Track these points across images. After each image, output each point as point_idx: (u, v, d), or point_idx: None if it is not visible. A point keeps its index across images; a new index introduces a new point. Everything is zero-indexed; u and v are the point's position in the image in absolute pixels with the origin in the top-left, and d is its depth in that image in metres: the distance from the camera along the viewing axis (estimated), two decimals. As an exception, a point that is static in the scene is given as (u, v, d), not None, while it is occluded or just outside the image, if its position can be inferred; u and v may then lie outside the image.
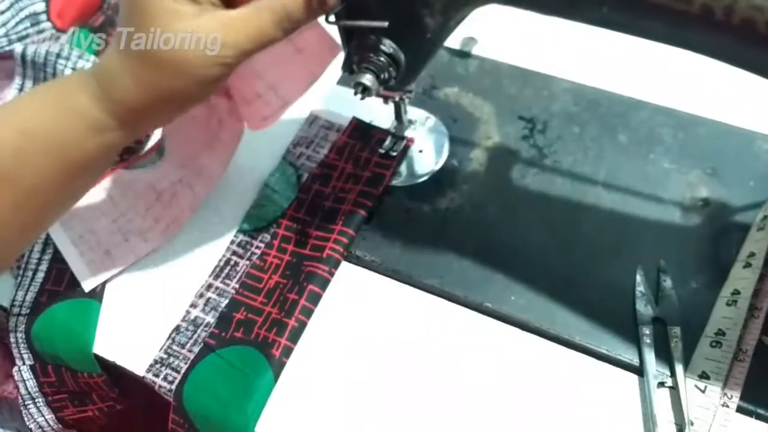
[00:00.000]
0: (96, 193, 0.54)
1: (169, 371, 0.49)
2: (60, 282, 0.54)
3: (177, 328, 0.51)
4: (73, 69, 0.57)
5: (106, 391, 0.54)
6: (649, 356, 0.45)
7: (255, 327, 0.50)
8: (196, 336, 0.50)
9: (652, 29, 0.37)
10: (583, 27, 0.38)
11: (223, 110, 0.53)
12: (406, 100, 0.55)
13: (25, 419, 0.55)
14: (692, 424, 0.42)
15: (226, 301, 0.52)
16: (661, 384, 0.45)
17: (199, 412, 0.47)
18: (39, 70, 0.57)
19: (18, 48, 0.57)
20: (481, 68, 0.63)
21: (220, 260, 0.54)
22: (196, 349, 0.50)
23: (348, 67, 0.46)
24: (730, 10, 0.33)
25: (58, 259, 0.55)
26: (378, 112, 0.59)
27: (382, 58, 0.43)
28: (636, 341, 0.46)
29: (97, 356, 0.51)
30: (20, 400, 0.54)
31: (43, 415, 0.55)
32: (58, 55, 0.57)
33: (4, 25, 0.62)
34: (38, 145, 0.38)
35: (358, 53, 0.44)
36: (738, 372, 0.44)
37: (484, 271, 0.51)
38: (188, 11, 0.36)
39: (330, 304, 0.51)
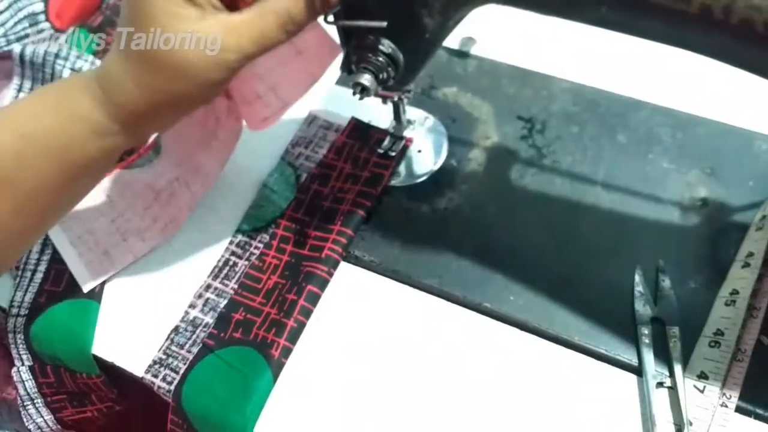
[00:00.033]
0: (94, 194, 0.54)
1: (167, 372, 0.49)
2: (59, 282, 0.54)
3: (176, 329, 0.51)
4: (72, 69, 0.57)
5: (104, 391, 0.54)
6: (648, 356, 0.45)
7: (254, 327, 0.50)
8: (194, 336, 0.50)
9: (651, 29, 0.37)
10: (582, 27, 0.38)
11: (222, 109, 0.53)
12: (405, 100, 0.55)
13: (24, 420, 0.55)
14: (691, 424, 0.43)
15: (225, 302, 0.52)
16: (660, 384, 0.45)
17: (198, 412, 0.47)
18: (37, 71, 0.57)
19: (16, 48, 0.57)
20: (480, 68, 0.63)
21: (219, 261, 0.54)
22: (194, 350, 0.50)
23: (346, 67, 0.46)
24: (729, 9, 0.33)
25: (56, 260, 0.55)
26: (377, 112, 0.59)
27: (380, 58, 0.43)
28: (635, 341, 0.46)
29: (95, 357, 0.51)
30: (19, 401, 0.54)
31: (42, 416, 0.55)
32: (57, 56, 0.57)
33: (2, 25, 0.62)
34: (39, 148, 0.38)
35: (357, 53, 0.44)
36: (737, 372, 0.44)
37: (482, 271, 0.51)
38: (190, 14, 0.36)
39: (329, 304, 0.51)
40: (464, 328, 0.49)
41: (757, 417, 0.43)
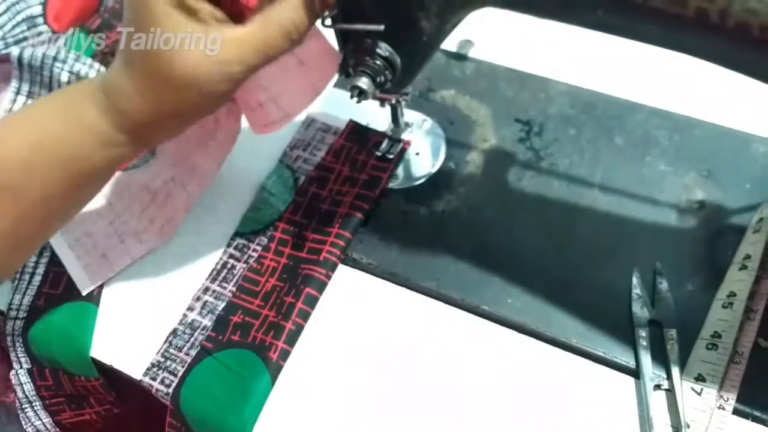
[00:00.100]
0: (93, 196, 0.54)
1: (166, 375, 0.49)
2: (57, 285, 0.54)
3: (174, 332, 0.51)
4: (70, 72, 0.57)
5: (103, 394, 0.54)
6: (646, 359, 0.45)
7: (252, 330, 0.50)
8: (193, 339, 0.50)
9: (648, 32, 0.37)
10: (580, 30, 0.39)
11: (222, 111, 0.53)
12: (403, 103, 0.55)
13: (23, 423, 0.55)
14: (688, 426, 0.43)
15: (223, 305, 0.52)
16: (658, 386, 0.45)
17: (196, 415, 0.47)
18: (36, 74, 0.57)
19: (15, 51, 0.57)
20: (478, 71, 0.63)
21: (217, 263, 0.54)
22: (193, 353, 0.50)
23: (344, 71, 0.46)
24: (725, 13, 0.33)
25: (55, 263, 0.55)
26: (375, 115, 0.59)
27: (378, 62, 0.43)
28: (632, 344, 0.46)
29: (94, 360, 0.51)
30: (18, 404, 0.54)
31: (40, 419, 0.55)
32: (55, 59, 0.57)
33: (0, 28, 0.62)
34: (46, 157, 0.38)
35: (354, 56, 0.44)
36: (734, 374, 0.44)
37: (480, 273, 0.51)
38: (195, 30, 0.36)
39: (327, 307, 0.51)
40: (462, 331, 0.49)
41: (755, 419, 0.43)
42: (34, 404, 0.54)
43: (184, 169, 0.56)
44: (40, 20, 0.64)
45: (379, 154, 0.57)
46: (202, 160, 0.56)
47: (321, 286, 0.51)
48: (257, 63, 0.38)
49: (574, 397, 0.46)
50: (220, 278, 0.53)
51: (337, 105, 0.61)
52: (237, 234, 0.55)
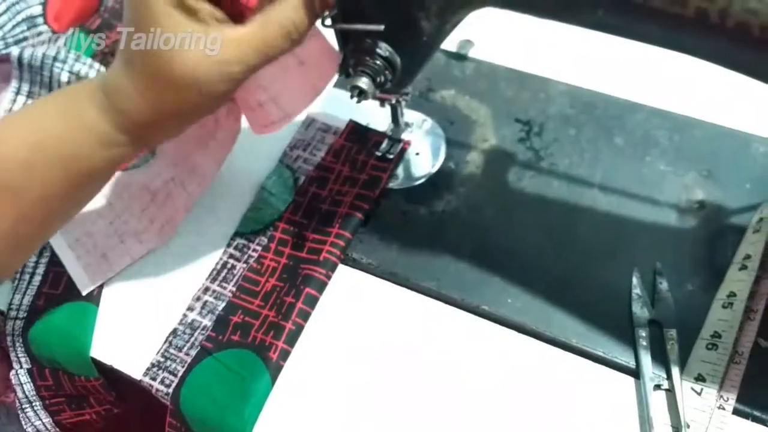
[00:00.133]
0: (93, 196, 0.54)
1: (166, 375, 0.49)
2: (57, 285, 0.54)
3: (174, 332, 0.51)
4: (70, 72, 0.57)
5: (103, 394, 0.54)
6: (646, 359, 0.45)
7: (252, 330, 0.50)
8: (193, 339, 0.50)
9: (648, 32, 0.37)
10: (580, 30, 0.39)
11: (222, 111, 0.53)
12: (403, 103, 0.55)
13: (23, 423, 0.55)
14: (688, 426, 0.43)
15: (223, 305, 0.52)
16: (658, 386, 0.45)
17: (196, 415, 0.47)
18: (35, 74, 0.57)
19: (15, 51, 0.57)
20: (478, 71, 0.63)
21: (217, 263, 0.54)
22: (193, 353, 0.50)
23: (344, 71, 0.46)
24: (725, 13, 0.33)
25: (55, 263, 0.55)
26: (375, 115, 0.59)
27: (378, 62, 0.43)
28: (632, 344, 0.46)
29: (94, 360, 0.51)
30: (18, 404, 0.54)
31: (40, 419, 0.55)
32: (55, 59, 0.57)
33: (0, 28, 0.62)
34: (46, 157, 0.38)
35: (354, 56, 0.44)
36: (734, 374, 0.44)
37: (480, 273, 0.51)
38: (195, 30, 0.36)
39: (327, 307, 0.51)
40: (462, 331, 0.49)
41: (755, 419, 0.43)
42: (34, 404, 0.54)
43: (184, 169, 0.56)
44: (40, 20, 0.64)
45: (379, 154, 0.57)
46: (202, 160, 0.56)
47: (321, 286, 0.51)
48: (257, 63, 0.38)
49: (574, 397, 0.46)
50: (220, 278, 0.53)
51: (337, 105, 0.61)
52: (237, 234, 0.55)
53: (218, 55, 0.37)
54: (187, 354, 0.50)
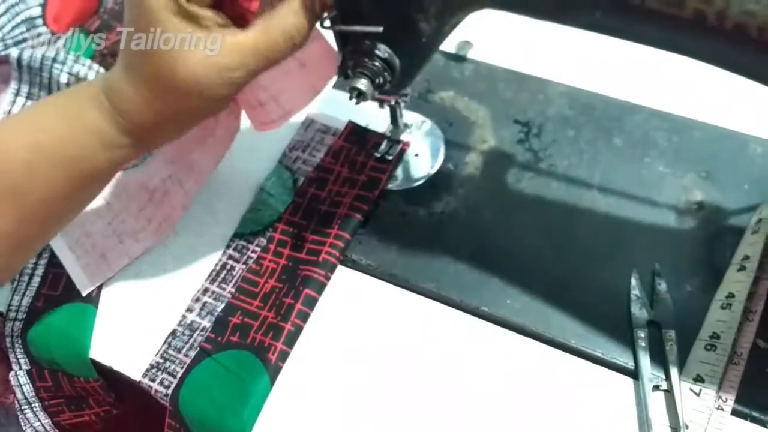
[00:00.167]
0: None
1: (165, 376, 0.49)
2: (56, 287, 0.54)
3: (173, 333, 0.51)
4: (69, 73, 0.57)
5: (102, 395, 0.54)
6: (644, 359, 0.45)
7: (251, 331, 0.50)
8: (192, 340, 0.50)
9: (646, 34, 0.37)
10: (578, 31, 0.39)
11: None
12: (402, 104, 0.55)
13: (22, 424, 0.55)
14: (687, 427, 0.43)
15: (222, 306, 0.52)
16: (656, 387, 0.45)
17: (195, 416, 0.47)
18: (35, 75, 0.57)
19: (14, 53, 0.57)
20: (477, 72, 0.63)
21: (216, 264, 0.54)
22: (192, 354, 0.50)
23: (343, 72, 0.46)
24: (723, 15, 0.33)
25: (54, 264, 0.55)
26: (374, 116, 0.59)
27: (377, 63, 0.43)
28: (631, 344, 0.47)
29: (93, 361, 0.51)
30: (17, 405, 0.54)
31: (39, 420, 0.55)
32: (54, 60, 0.57)
33: (0, 29, 0.62)
34: (49, 159, 0.38)
35: (353, 58, 0.44)
36: (733, 375, 0.44)
37: (479, 274, 0.51)
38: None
39: (326, 308, 0.51)
40: (461, 332, 0.49)
41: (753, 420, 0.43)
42: (33, 405, 0.54)
43: (181, 166, 0.56)
44: (40, 21, 0.64)
45: (378, 155, 0.57)
46: (199, 158, 0.55)
47: (320, 287, 0.51)
48: (259, 68, 0.39)
49: (573, 398, 0.46)
50: (219, 279, 0.53)
51: (336, 106, 0.61)
52: (236, 235, 0.55)
53: (220, 61, 0.37)
54: (186, 355, 0.50)
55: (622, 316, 0.48)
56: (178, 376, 0.49)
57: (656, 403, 0.44)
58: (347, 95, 0.45)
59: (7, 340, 0.54)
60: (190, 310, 0.52)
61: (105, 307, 0.53)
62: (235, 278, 0.53)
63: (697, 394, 0.44)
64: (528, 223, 0.53)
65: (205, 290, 0.53)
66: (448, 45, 0.64)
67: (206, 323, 0.51)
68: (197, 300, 0.52)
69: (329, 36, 0.46)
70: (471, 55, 0.64)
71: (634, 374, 0.46)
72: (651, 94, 0.59)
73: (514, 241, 0.52)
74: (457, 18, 0.42)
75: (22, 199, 0.38)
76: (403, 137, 0.58)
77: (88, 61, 0.59)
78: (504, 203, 0.54)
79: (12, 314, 0.54)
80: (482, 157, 0.57)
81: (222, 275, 0.53)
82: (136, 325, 0.52)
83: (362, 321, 0.51)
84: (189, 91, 0.37)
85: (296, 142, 0.60)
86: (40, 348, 0.53)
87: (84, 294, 0.53)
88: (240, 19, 0.38)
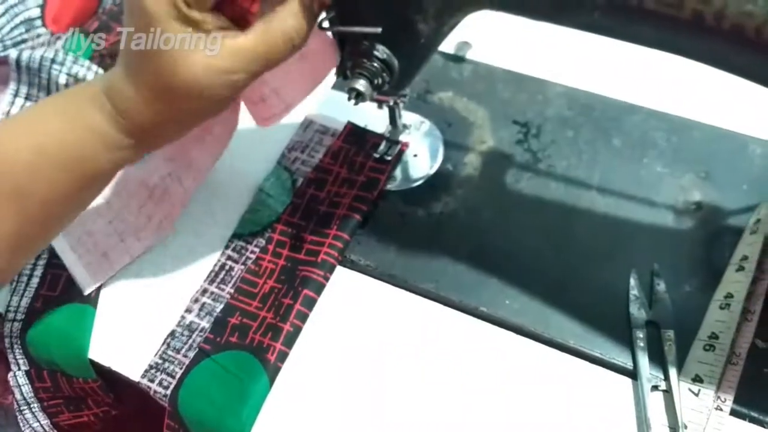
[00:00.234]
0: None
1: (164, 376, 0.49)
2: (55, 287, 0.54)
3: (172, 333, 0.51)
4: (68, 74, 0.57)
5: (101, 396, 0.54)
6: (643, 360, 0.45)
7: (250, 332, 0.50)
8: (191, 341, 0.50)
9: (644, 35, 0.37)
10: (577, 32, 0.39)
11: None
12: (401, 105, 0.55)
13: (21, 425, 0.55)
14: (686, 427, 0.43)
15: (221, 306, 0.52)
16: (655, 387, 0.45)
17: (194, 417, 0.47)
18: (33, 76, 0.57)
19: (13, 53, 0.57)
20: (476, 73, 0.63)
21: (215, 265, 0.54)
22: (191, 354, 0.50)
23: (342, 73, 0.46)
24: (721, 15, 0.33)
25: (53, 264, 0.55)
26: (373, 117, 0.59)
27: (375, 64, 0.43)
28: (630, 345, 0.47)
29: (92, 361, 0.51)
30: (16, 406, 0.54)
31: (38, 421, 0.55)
32: (53, 61, 0.57)
33: (-1, 30, 0.62)
34: (52, 160, 0.38)
35: (352, 59, 0.44)
36: (731, 375, 0.44)
37: (478, 275, 0.51)
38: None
39: (325, 308, 0.51)
40: (460, 332, 0.49)
41: (752, 420, 0.43)
42: (32, 406, 0.54)
43: (180, 164, 0.56)
44: (39, 22, 0.64)
45: (377, 155, 0.57)
46: (198, 155, 0.55)
47: (319, 288, 0.51)
48: (260, 70, 0.39)
49: (572, 399, 0.46)
50: (218, 280, 0.53)
51: (335, 107, 0.61)
52: (235, 236, 0.56)
53: (220, 64, 0.37)
54: (185, 356, 0.50)
55: (621, 317, 0.48)
56: (177, 376, 0.49)
57: (655, 403, 0.44)
58: (346, 96, 0.45)
59: (6, 340, 0.54)
60: (188, 310, 0.52)
61: (104, 308, 0.53)
62: (234, 279, 0.53)
63: (696, 394, 0.44)
64: (527, 223, 0.53)
65: (204, 291, 0.53)
66: (447, 46, 0.64)
67: (205, 324, 0.51)
68: (196, 301, 0.52)
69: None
70: (470, 55, 0.64)
71: (633, 374, 0.46)
72: (650, 95, 0.59)
73: (513, 241, 0.53)
74: (455, 19, 0.42)
75: (24, 200, 0.38)
76: (402, 138, 0.58)
77: (87, 62, 0.59)
78: (503, 204, 0.55)
79: (11, 315, 0.54)
80: (481, 158, 0.57)
81: (221, 276, 0.53)
82: (135, 326, 0.52)
83: (361, 321, 0.51)
84: (189, 93, 0.37)
85: (295, 143, 0.60)
86: (39, 349, 0.53)
87: (86, 293, 0.53)
88: (240, 20, 0.38)
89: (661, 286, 0.48)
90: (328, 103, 0.62)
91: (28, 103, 0.58)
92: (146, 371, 0.50)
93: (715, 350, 0.45)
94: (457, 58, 0.64)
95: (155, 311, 0.52)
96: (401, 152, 0.58)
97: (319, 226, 0.54)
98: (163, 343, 0.51)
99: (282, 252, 0.53)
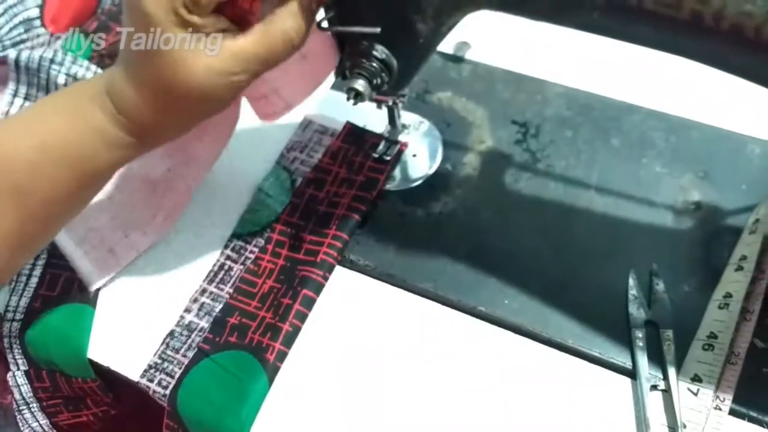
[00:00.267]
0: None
1: (163, 376, 0.49)
2: (54, 287, 0.54)
3: (171, 333, 0.51)
4: (67, 75, 0.57)
5: (100, 396, 0.54)
6: (642, 359, 0.46)
7: (249, 332, 0.50)
8: (190, 341, 0.50)
9: (643, 35, 0.37)
10: (576, 32, 0.39)
11: None
12: (400, 105, 0.55)
13: (20, 424, 0.55)
14: (685, 427, 0.43)
15: (221, 306, 0.52)
16: (654, 387, 0.45)
17: (194, 417, 0.47)
18: (33, 76, 0.57)
19: (12, 54, 0.57)
20: (474, 73, 0.63)
21: (215, 265, 0.54)
22: (190, 354, 0.50)
23: (341, 73, 0.46)
24: (719, 16, 0.33)
25: (51, 264, 0.55)
26: (372, 117, 0.59)
27: (374, 64, 0.43)
28: (629, 344, 0.47)
29: (91, 361, 0.51)
30: (15, 406, 0.54)
31: (37, 420, 0.55)
32: (52, 61, 0.57)
33: (-2, 30, 0.62)
34: (53, 159, 0.38)
35: (351, 59, 0.44)
36: (730, 375, 0.44)
37: (477, 274, 0.51)
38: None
39: (324, 308, 0.51)
40: (459, 332, 0.49)
41: (751, 420, 0.43)
42: (31, 406, 0.54)
43: (179, 160, 0.55)
44: (37, 23, 0.64)
45: (376, 155, 0.57)
46: (197, 153, 0.55)
47: (318, 288, 0.51)
48: (259, 71, 0.39)
49: (571, 398, 0.46)
50: (217, 280, 0.53)
51: (334, 107, 0.61)
52: (234, 235, 0.55)
53: (221, 65, 0.37)
54: (184, 356, 0.50)
55: (620, 316, 0.48)
56: (176, 376, 0.49)
57: (654, 402, 0.44)
58: (345, 96, 0.45)
59: (5, 340, 0.54)
60: (188, 310, 0.52)
61: (103, 308, 0.53)
62: (233, 279, 0.53)
63: (695, 394, 0.44)
64: (526, 223, 0.53)
65: (203, 291, 0.53)
66: (446, 46, 0.64)
67: (204, 324, 0.51)
68: (195, 300, 0.52)
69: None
70: (468, 55, 0.64)
71: (632, 374, 0.46)
72: (648, 95, 0.59)
73: (512, 241, 0.53)
74: (454, 19, 0.42)
75: (25, 199, 0.38)
76: (401, 138, 0.58)
77: (86, 62, 0.59)
78: (502, 203, 0.55)
79: (10, 315, 0.54)
80: (480, 158, 0.57)
81: (220, 276, 0.53)
82: (134, 326, 0.52)
83: (360, 321, 0.51)
84: (189, 94, 0.37)
85: (294, 143, 0.60)
86: (38, 348, 0.53)
87: (92, 289, 0.53)
88: (241, 21, 0.38)
89: (660, 286, 0.48)
90: (327, 103, 0.62)
91: (27, 103, 0.58)
92: (145, 371, 0.50)
93: (714, 350, 0.45)
94: (456, 58, 0.64)
95: (154, 311, 0.52)
96: (400, 152, 0.58)
97: (318, 226, 0.54)
98: (162, 343, 0.51)
99: (281, 252, 0.53)
